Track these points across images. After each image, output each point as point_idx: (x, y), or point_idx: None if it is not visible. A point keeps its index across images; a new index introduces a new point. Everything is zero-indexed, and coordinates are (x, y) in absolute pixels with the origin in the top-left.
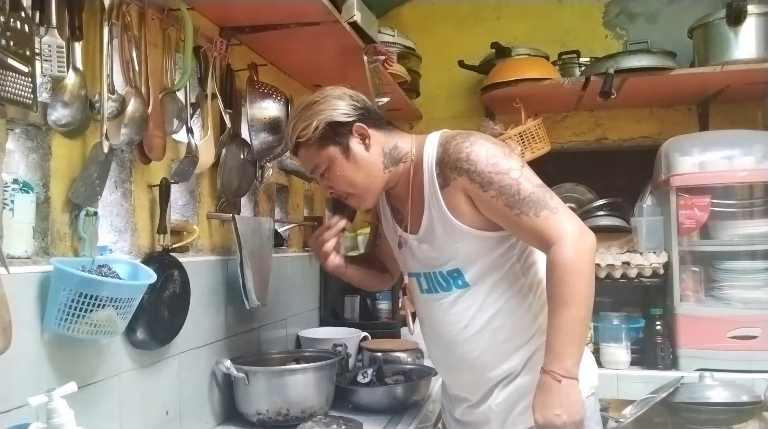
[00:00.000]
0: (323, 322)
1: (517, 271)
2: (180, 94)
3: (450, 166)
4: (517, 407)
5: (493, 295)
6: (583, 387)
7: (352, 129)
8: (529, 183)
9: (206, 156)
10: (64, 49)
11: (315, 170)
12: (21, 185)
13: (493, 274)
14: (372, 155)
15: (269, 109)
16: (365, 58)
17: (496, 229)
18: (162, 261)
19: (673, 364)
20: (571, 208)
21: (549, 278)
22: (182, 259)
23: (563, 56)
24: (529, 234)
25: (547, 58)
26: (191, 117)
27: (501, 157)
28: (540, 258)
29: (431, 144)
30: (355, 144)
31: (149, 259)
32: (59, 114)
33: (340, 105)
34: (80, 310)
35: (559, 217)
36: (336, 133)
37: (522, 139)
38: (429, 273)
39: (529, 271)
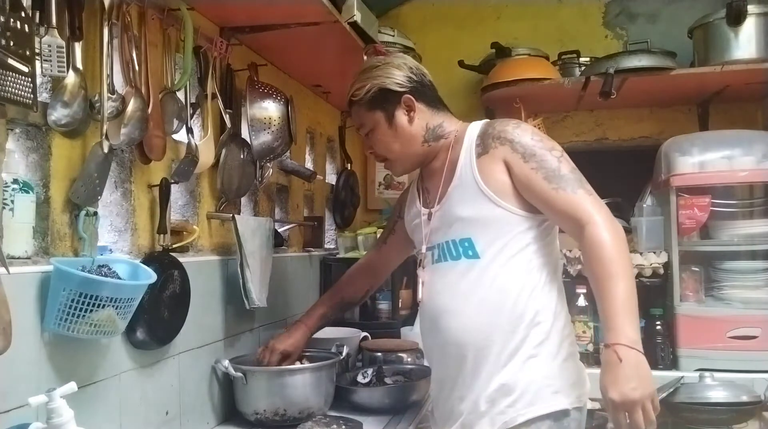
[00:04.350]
0: None
1: (531, 262)
2: (180, 94)
3: (493, 136)
4: (505, 400)
5: (501, 276)
6: (562, 401)
7: (401, 99)
8: (569, 164)
9: (206, 156)
10: (64, 49)
11: (361, 129)
12: (21, 185)
13: (504, 254)
14: (414, 128)
15: (269, 109)
16: (365, 58)
17: (522, 209)
18: (162, 261)
19: (673, 364)
20: None
21: (592, 257)
22: (182, 259)
23: (563, 56)
24: (562, 209)
25: (547, 58)
26: (191, 117)
27: (545, 138)
28: (552, 261)
29: (476, 125)
30: (400, 114)
31: (149, 259)
32: (59, 114)
33: (396, 74)
34: (80, 310)
35: (594, 199)
36: (385, 99)
37: None
38: (443, 243)
39: (544, 268)
